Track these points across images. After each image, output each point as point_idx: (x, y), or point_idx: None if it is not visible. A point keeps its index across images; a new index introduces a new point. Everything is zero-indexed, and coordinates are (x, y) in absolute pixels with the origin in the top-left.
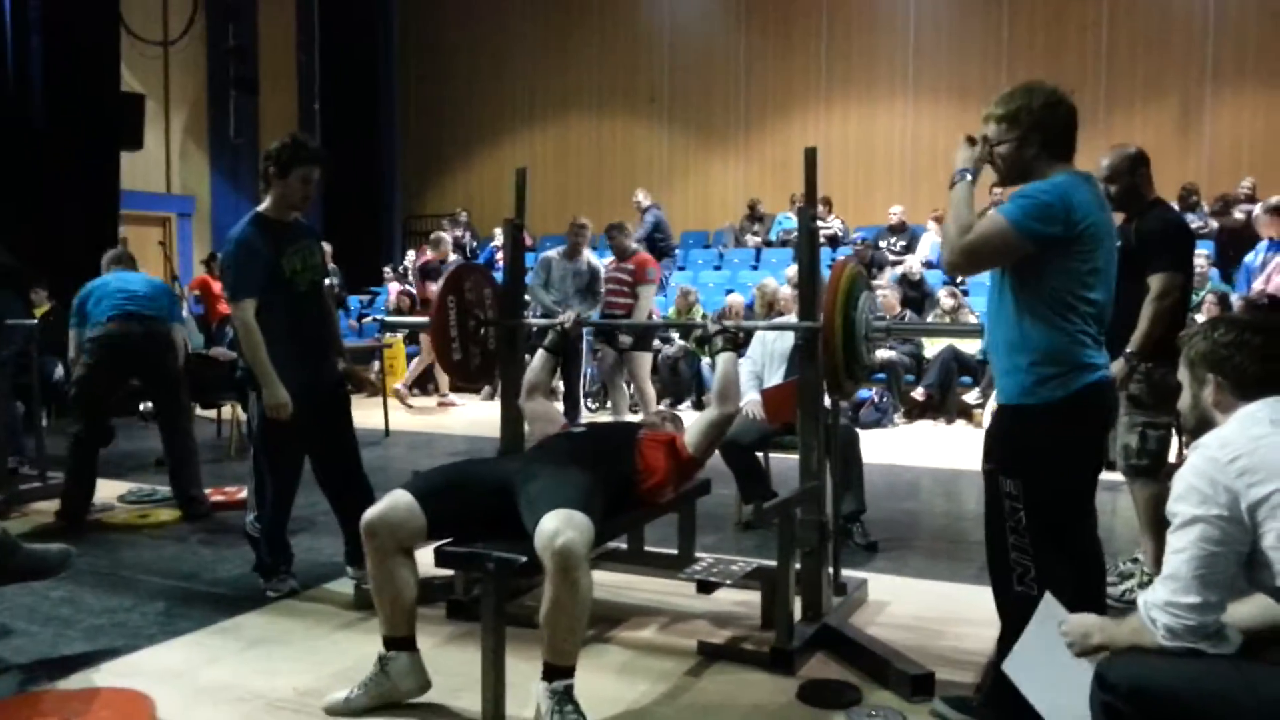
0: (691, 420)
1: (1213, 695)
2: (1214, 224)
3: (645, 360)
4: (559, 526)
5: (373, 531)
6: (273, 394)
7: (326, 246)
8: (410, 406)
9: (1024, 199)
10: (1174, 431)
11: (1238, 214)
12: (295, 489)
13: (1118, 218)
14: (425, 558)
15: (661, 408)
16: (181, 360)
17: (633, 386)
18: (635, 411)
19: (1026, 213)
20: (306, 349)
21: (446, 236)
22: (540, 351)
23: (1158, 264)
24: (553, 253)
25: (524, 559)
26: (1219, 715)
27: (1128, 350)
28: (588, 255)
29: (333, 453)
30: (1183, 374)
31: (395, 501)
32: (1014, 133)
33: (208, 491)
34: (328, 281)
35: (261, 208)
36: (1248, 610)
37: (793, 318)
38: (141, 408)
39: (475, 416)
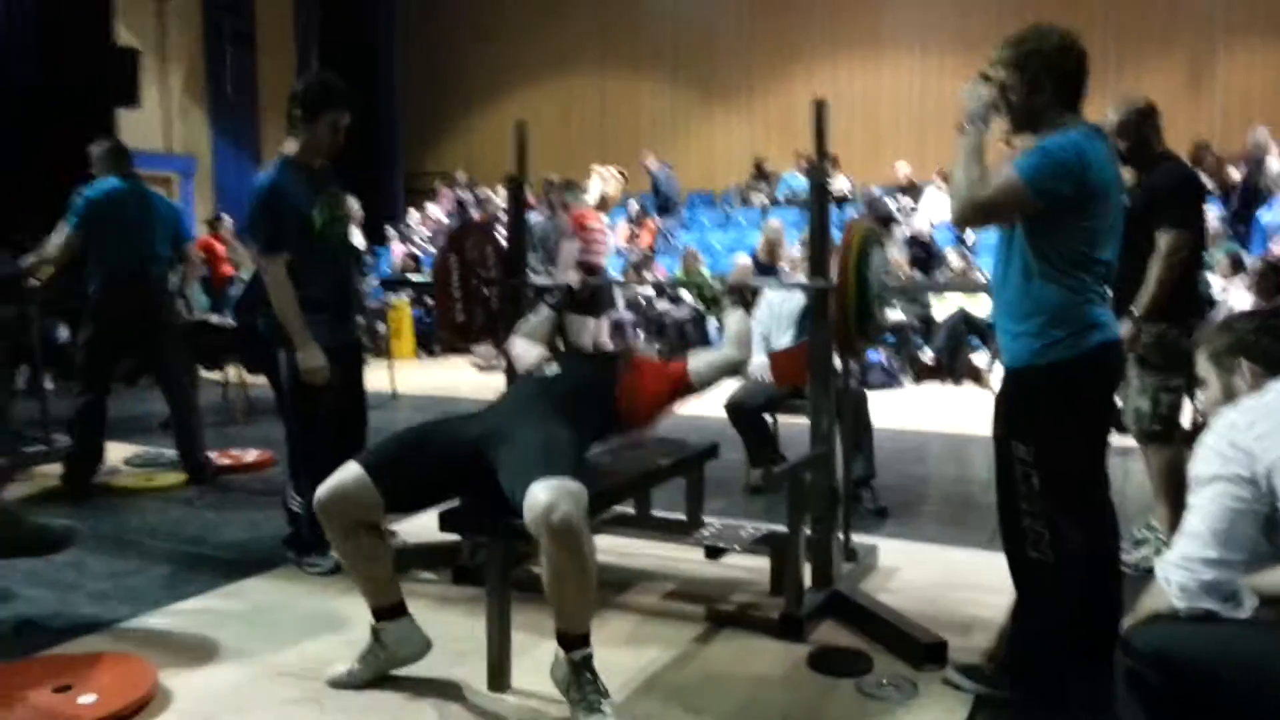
0: (700, 355)
1: (1241, 661)
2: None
3: (585, 325)
4: (552, 500)
5: (325, 510)
6: (310, 357)
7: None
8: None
9: (1041, 156)
10: (1186, 394)
11: (1233, 171)
12: (333, 450)
13: (1127, 173)
14: (431, 520)
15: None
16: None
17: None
18: None
19: (1042, 171)
20: (339, 306)
21: (495, 196)
22: (543, 308)
23: (1165, 221)
24: (535, 215)
25: None
26: (1248, 681)
27: (1135, 312)
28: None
29: (346, 412)
30: (1206, 370)
31: (344, 477)
32: (1024, 77)
33: (213, 455)
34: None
35: (288, 152)
36: (1275, 576)
37: (803, 277)
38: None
39: (481, 379)
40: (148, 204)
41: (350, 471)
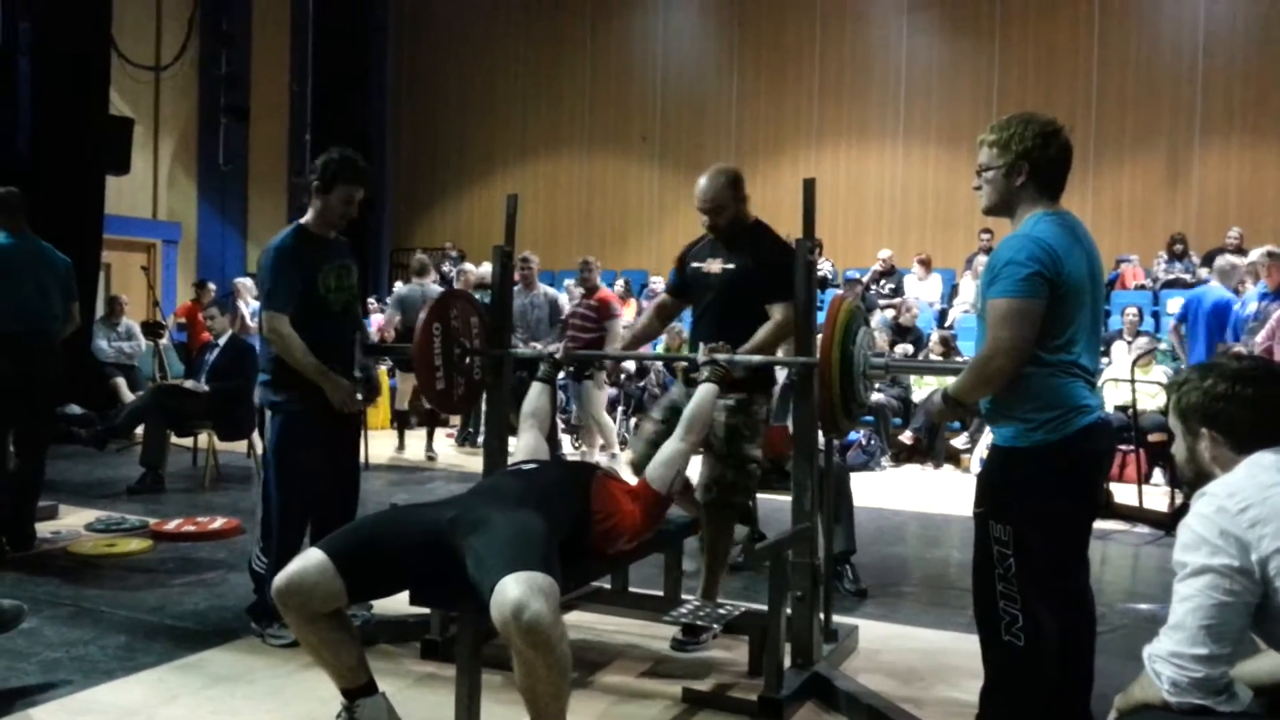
0: (654, 461)
1: None
2: (1202, 274)
3: (595, 396)
4: (522, 597)
5: (284, 599)
6: (335, 389)
7: None
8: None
9: (1012, 268)
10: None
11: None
12: (308, 520)
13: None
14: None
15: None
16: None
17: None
18: (604, 450)
19: (1023, 276)
20: (334, 371)
21: (470, 266)
22: (534, 383)
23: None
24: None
25: None
26: None
27: None
28: (543, 288)
29: (337, 478)
30: (1174, 423)
31: (306, 564)
32: (1003, 159)
33: (179, 521)
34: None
35: (304, 220)
36: (1262, 665)
37: (780, 354)
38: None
39: (455, 451)
40: (46, 260)
41: (313, 559)
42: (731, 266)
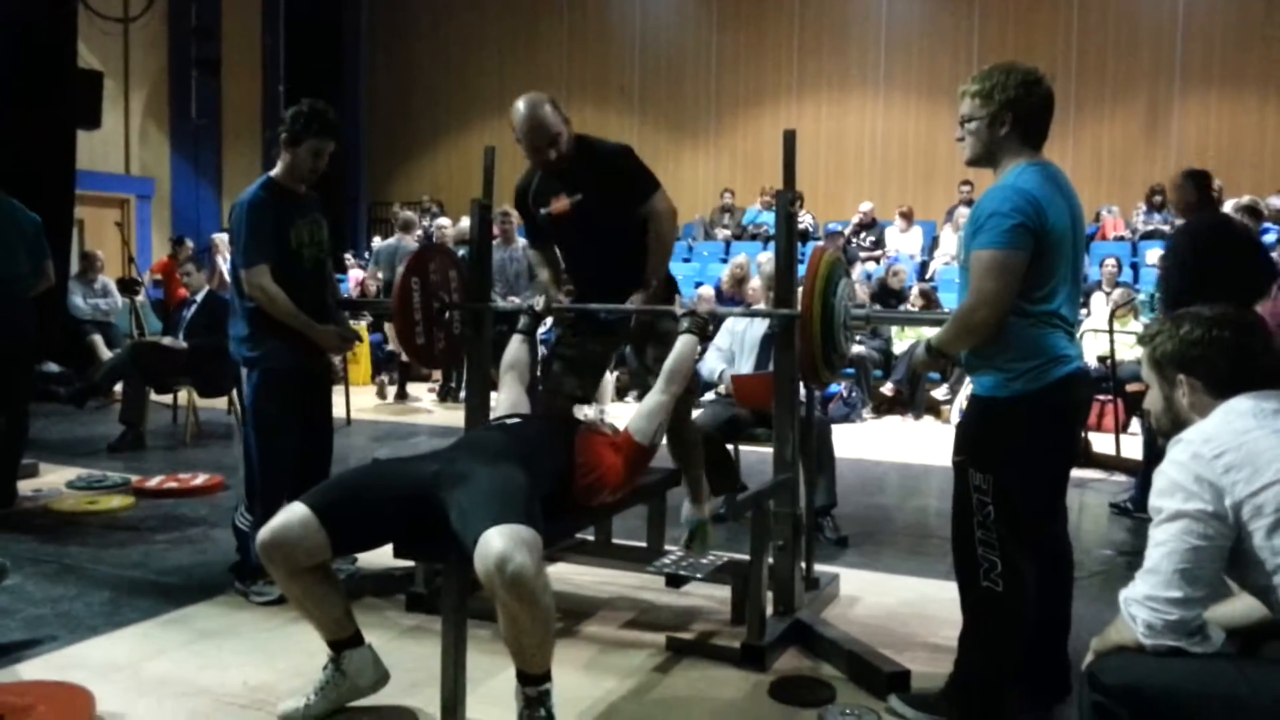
0: (636, 412)
1: (1214, 695)
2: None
3: None
4: (506, 550)
5: (268, 553)
6: (322, 337)
7: None
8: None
9: (997, 219)
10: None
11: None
12: (290, 475)
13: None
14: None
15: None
16: None
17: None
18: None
19: (1008, 229)
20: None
21: (447, 222)
22: (515, 336)
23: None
24: None
25: None
26: (1221, 715)
27: None
28: (521, 242)
29: (311, 434)
30: (1148, 373)
31: (290, 519)
32: (986, 109)
33: (161, 478)
34: None
35: (273, 173)
36: (1235, 608)
37: (761, 306)
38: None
39: (438, 408)
40: (10, 218)
41: (296, 513)
42: (579, 197)
